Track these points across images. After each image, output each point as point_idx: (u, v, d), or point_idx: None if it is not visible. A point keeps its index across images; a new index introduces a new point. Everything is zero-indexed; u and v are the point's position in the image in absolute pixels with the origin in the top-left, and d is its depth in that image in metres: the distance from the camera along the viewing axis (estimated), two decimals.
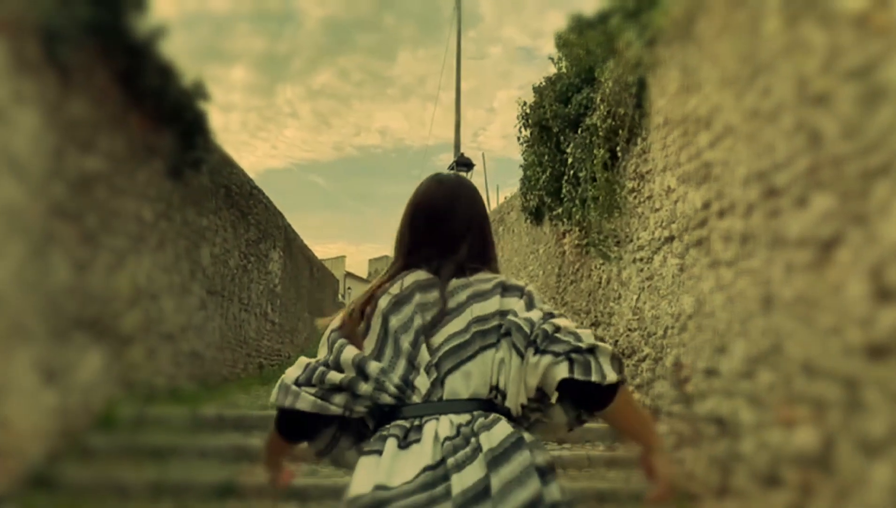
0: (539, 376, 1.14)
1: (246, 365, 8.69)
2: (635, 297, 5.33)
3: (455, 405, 1.15)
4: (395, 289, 1.27)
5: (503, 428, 1.11)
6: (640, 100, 5.19)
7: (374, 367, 1.19)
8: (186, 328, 6.40)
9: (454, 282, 1.25)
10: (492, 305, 1.22)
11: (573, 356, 1.13)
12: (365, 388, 1.18)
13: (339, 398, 1.19)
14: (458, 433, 1.10)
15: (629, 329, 5.44)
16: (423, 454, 1.09)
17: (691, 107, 4.25)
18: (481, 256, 1.32)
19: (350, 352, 1.22)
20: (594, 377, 1.12)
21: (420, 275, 1.27)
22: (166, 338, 5.92)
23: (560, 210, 7.09)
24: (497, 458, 1.07)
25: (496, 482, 1.04)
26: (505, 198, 12.36)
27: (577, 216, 6.42)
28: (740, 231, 3.57)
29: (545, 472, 1.10)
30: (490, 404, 1.17)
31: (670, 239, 4.63)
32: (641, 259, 5.23)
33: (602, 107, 5.70)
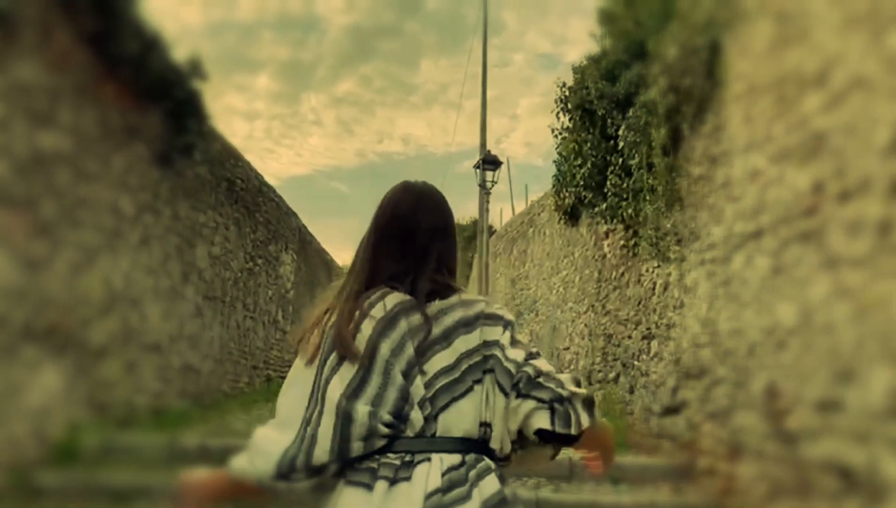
0: (519, 421, 1.16)
1: (251, 378, 7.88)
2: (705, 306, 4.40)
3: (447, 443, 1.13)
4: (377, 312, 1.18)
5: (492, 483, 1.12)
6: (713, 66, 4.28)
7: (361, 412, 1.10)
8: (177, 339, 5.59)
9: (436, 304, 1.20)
10: (476, 337, 1.19)
11: (555, 405, 1.16)
12: (357, 445, 1.10)
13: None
14: (447, 480, 1.09)
15: (696, 345, 4.51)
16: (410, 505, 1.06)
17: (792, 64, 3.34)
18: (447, 268, 1.26)
19: (333, 391, 1.11)
20: (573, 431, 1.15)
21: (398, 296, 1.19)
22: (151, 350, 5.12)
23: (603, 206, 6.20)
24: None
25: None
26: (532, 201, 11.57)
27: (628, 211, 5.51)
28: (877, 219, 2.65)
29: None
30: (480, 444, 1.16)
31: (757, 234, 3.71)
32: (713, 260, 4.31)
33: (661, 80, 4.80)
